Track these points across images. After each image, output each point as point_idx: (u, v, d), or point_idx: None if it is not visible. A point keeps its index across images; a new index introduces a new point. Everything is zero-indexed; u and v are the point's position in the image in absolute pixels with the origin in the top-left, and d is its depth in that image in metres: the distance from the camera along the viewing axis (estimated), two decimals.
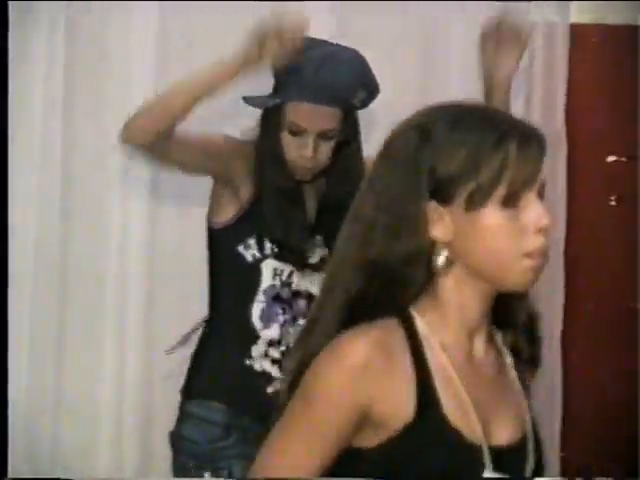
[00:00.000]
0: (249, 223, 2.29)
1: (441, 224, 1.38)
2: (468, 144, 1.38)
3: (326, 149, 2.25)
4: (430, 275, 1.41)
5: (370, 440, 1.37)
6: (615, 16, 3.49)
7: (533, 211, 1.38)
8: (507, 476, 1.40)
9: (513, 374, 1.49)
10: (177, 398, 2.69)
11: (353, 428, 1.37)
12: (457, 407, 1.40)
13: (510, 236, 1.38)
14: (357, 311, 1.40)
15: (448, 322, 1.43)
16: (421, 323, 1.42)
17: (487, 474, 1.39)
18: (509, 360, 1.49)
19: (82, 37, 2.86)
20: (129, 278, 2.88)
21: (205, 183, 2.54)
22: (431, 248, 1.40)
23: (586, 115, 3.37)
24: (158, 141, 2.18)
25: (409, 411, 1.37)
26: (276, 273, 2.30)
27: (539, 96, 3.24)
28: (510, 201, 1.37)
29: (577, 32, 3.40)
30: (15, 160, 2.76)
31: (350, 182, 2.16)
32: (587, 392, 3.34)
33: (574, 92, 3.38)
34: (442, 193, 1.38)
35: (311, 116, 2.22)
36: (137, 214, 2.90)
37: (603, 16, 3.52)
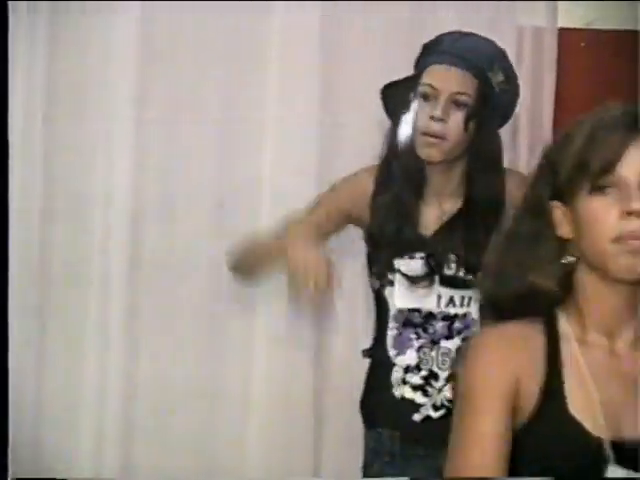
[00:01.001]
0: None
1: (564, 222, 1.49)
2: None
3: (456, 118, 2.20)
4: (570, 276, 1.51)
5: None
6: (603, 21, 3.50)
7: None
8: (630, 471, 1.44)
9: None
10: (158, 405, 2.69)
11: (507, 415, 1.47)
12: (584, 401, 1.47)
13: (599, 222, 1.46)
14: (510, 311, 1.52)
15: (586, 321, 1.51)
16: (562, 321, 1.52)
17: (610, 467, 1.44)
18: None
19: (63, 38, 2.89)
20: (111, 282, 2.91)
21: (188, 190, 2.53)
22: (564, 249, 1.51)
23: (574, 119, 3.37)
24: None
25: (534, 402, 1.47)
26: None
27: (527, 101, 3.23)
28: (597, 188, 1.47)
29: (565, 37, 3.39)
30: None
31: (484, 167, 2.20)
32: None
33: (562, 96, 3.39)
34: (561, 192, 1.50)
35: (445, 77, 2.20)
36: (120, 216, 2.92)
37: (591, 21, 3.52)
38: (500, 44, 3.03)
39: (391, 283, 2.25)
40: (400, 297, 2.25)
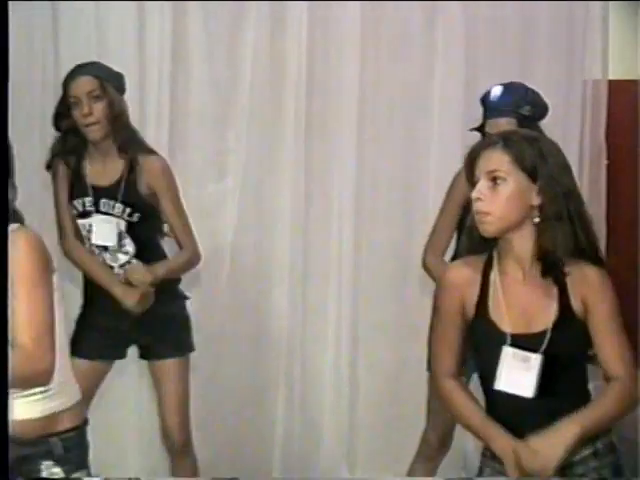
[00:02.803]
0: None
1: None
2: None
3: None
4: None
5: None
6: None
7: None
8: (517, 349, 2.15)
9: (554, 291, 2.19)
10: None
11: (462, 316, 2.23)
12: (498, 309, 2.19)
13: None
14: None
15: (503, 259, 2.22)
16: (495, 259, 2.22)
17: (504, 348, 2.17)
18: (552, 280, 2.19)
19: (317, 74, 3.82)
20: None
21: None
22: None
23: (624, 138, 4.19)
24: None
25: (472, 311, 2.24)
26: None
27: (588, 129, 4.15)
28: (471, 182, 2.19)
29: (617, 86, 4.19)
30: (271, 178, 3.86)
31: None
32: None
33: (617, 125, 4.17)
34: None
35: (496, 126, 3.07)
36: (346, 220, 3.91)
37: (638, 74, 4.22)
38: (573, 95, 4.14)
39: None
40: None
